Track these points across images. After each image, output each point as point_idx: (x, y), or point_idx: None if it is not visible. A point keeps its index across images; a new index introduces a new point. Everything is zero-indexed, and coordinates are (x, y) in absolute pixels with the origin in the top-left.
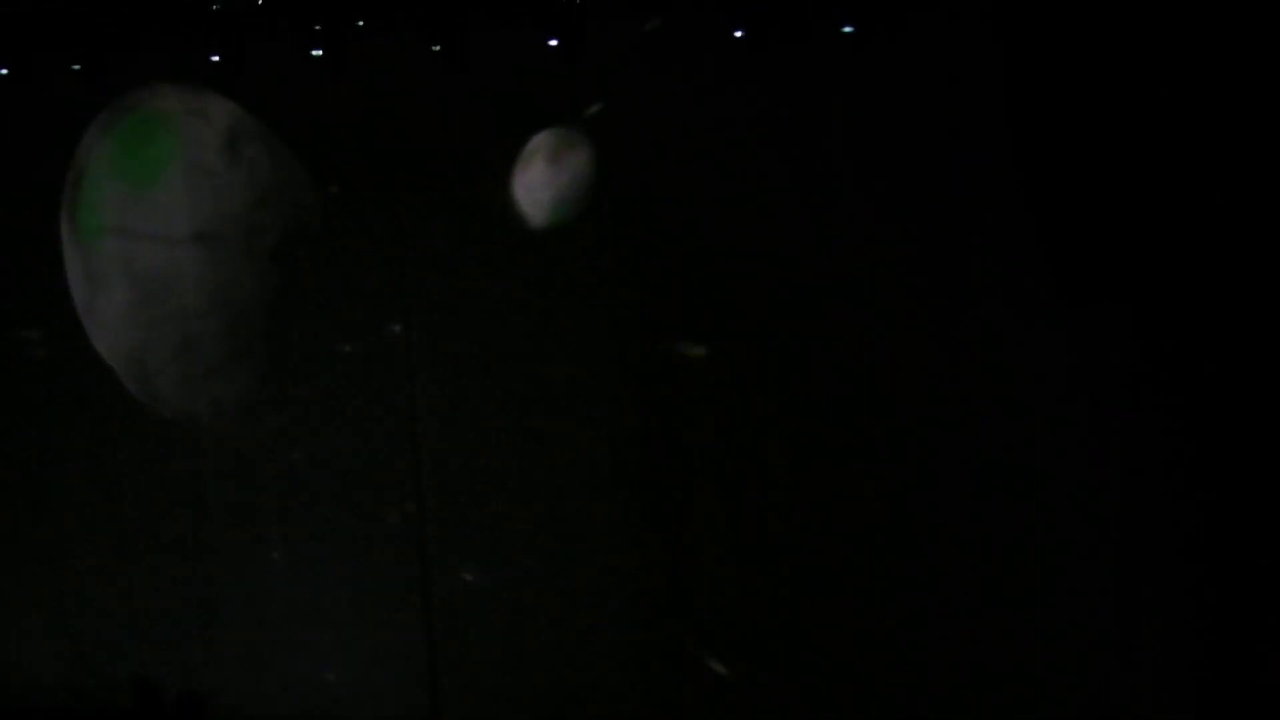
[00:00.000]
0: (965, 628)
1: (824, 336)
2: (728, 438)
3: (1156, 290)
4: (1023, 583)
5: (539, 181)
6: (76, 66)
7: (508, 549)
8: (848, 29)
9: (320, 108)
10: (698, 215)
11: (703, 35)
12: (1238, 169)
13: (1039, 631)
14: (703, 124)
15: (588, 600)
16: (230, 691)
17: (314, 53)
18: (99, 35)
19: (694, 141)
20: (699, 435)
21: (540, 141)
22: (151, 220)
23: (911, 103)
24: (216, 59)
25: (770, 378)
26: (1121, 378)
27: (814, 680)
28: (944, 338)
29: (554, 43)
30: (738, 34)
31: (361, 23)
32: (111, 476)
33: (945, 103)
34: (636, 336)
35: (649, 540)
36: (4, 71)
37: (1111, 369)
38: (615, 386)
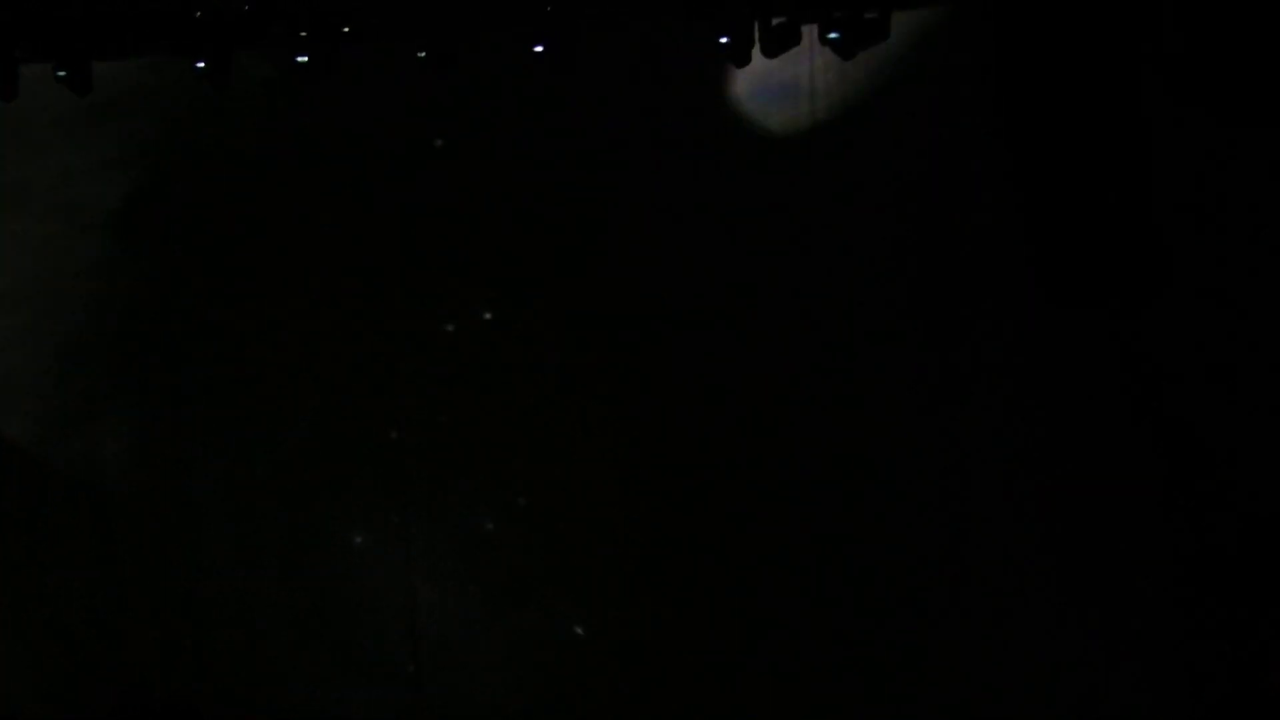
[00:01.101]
0: (954, 630)
1: (808, 338)
2: (722, 434)
3: (1142, 294)
4: (1010, 583)
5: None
6: (62, 73)
7: (494, 551)
8: (833, 35)
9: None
10: (685, 216)
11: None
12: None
13: (1027, 633)
14: (691, 128)
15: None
16: (216, 698)
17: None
18: (86, 41)
19: (683, 146)
20: (693, 436)
21: None
22: None
23: (901, 106)
24: (201, 65)
25: (760, 371)
26: (1106, 379)
27: (810, 686)
28: (933, 341)
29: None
30: (722, 40)
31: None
32: (97, 481)
33: (935, 107)
34: (623, 341)
35: (639, 540)
36: None
37: (1096, 370)
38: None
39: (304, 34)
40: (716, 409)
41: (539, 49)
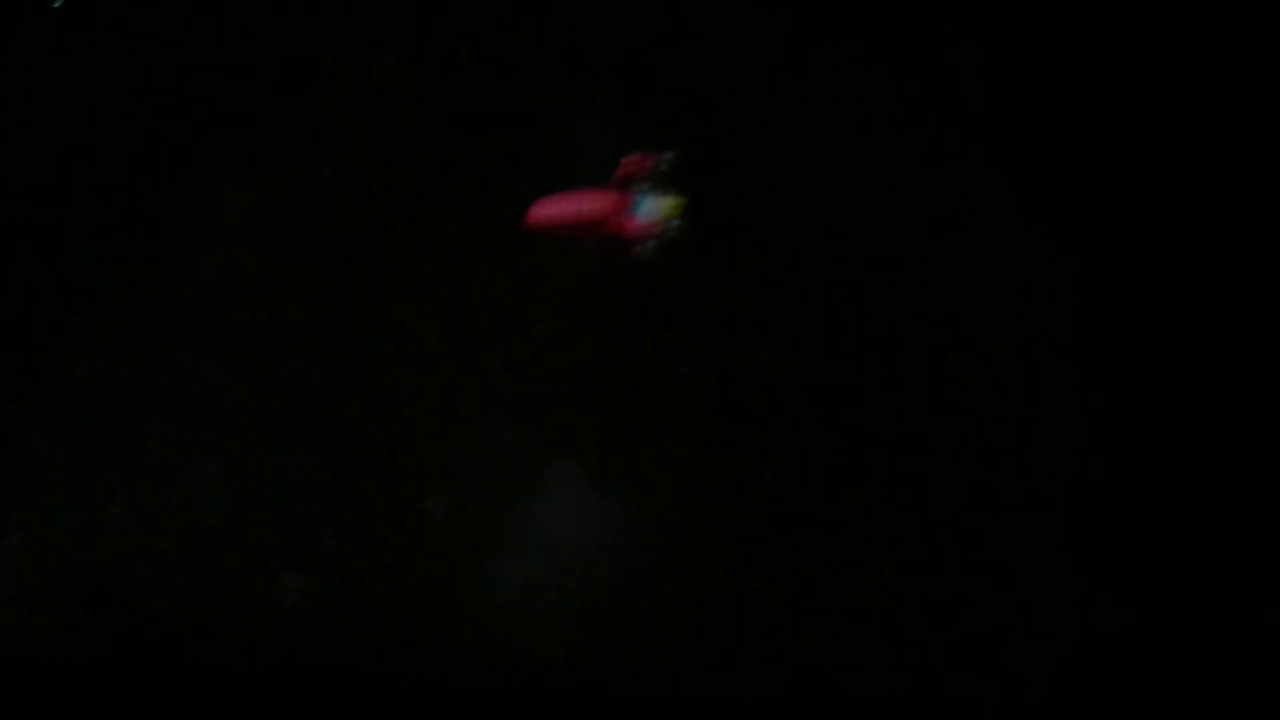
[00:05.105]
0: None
1: (808, 257)
2: (715, 360)
3: (1136, 234)
4: (981, 533)
5: None
6: None
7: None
8: None
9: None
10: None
11: None
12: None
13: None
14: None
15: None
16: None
17: None
18: None
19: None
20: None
21: None
22: None
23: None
24: None
25: (747, 297)
26: (1095, 322)
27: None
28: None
29: None
30: None
31: None
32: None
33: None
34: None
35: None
36: None
37: (1087, 311)
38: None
39: None
40: (706, 336)
41: None
